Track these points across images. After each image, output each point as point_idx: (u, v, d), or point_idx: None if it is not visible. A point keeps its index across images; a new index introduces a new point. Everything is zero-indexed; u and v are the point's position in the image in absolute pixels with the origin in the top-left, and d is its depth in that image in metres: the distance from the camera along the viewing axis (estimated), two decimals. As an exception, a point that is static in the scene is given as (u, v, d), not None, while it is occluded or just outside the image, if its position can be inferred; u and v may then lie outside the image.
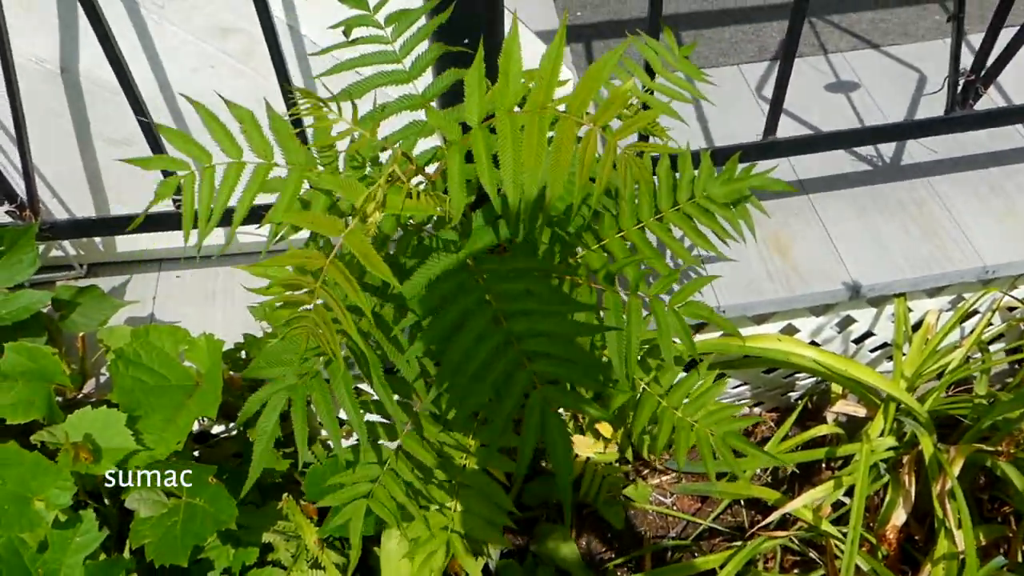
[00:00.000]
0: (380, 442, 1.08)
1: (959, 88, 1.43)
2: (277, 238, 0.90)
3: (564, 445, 0.66)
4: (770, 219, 1.65)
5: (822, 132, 1.44)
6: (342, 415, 1.38)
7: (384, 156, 0.85)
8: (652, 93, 1.19)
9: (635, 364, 0.95)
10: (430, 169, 0.85)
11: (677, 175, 1.13)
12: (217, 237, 1.54)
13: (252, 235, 1.55)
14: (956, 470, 1.51)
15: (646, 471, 2.04)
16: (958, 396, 1.82)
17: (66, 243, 1.50)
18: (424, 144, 0.87)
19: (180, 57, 1.27)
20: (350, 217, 0.69)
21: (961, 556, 1.49)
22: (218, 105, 0.85)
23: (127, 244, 1.53)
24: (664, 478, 2.03)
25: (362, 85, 0.83)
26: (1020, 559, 1.59)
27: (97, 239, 1.51)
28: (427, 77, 0.86)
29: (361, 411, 0.85)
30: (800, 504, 1.65)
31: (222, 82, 1.30)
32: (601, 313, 0.94)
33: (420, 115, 0.87)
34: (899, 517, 1.65)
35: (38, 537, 1.18)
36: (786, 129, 1.44)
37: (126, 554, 1.21)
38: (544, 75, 0.66)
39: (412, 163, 0.72)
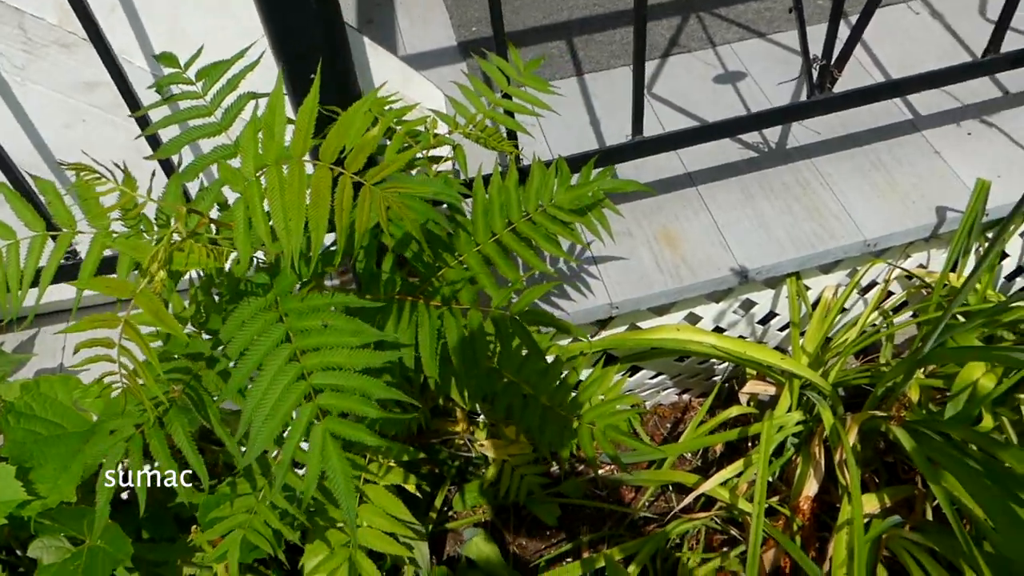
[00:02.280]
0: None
1: (815, 74, 1.48)
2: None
3: (344, 472, 0.70)
4: (659, 212, 1.70)
5: (694, 126, 1.49)
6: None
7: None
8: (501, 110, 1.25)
9: (484, 370, 1.00)
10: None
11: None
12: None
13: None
14: (851, 438, 1.56)
15: (580, 466, 2.09)
16: (864, 366, 1.87)
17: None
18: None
19: (49, 115, 1.32)
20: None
21: (866, 519, 1.55)
22: (89, 159, 0.89)
23: (30, 298, 1.57)
24: (600, 471, 2.08)
25: (176, 141, 0.88)
26: (928, 517, 1.64)
27: (2, 296, 1.55)
28: (237, 128, 0.91)
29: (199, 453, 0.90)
30: (713, 484, 1.70)
31: (94, 134, 1.34)
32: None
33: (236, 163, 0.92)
34: (811, 488, 1.70)
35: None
36: (677, 124, 1.49)
37: (34, 601, 1.25)
38: (301, 127, 0.71)
39: (203, 216, 0.76)
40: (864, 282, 1.83)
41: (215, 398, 0.87)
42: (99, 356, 0.73)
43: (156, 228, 0.84)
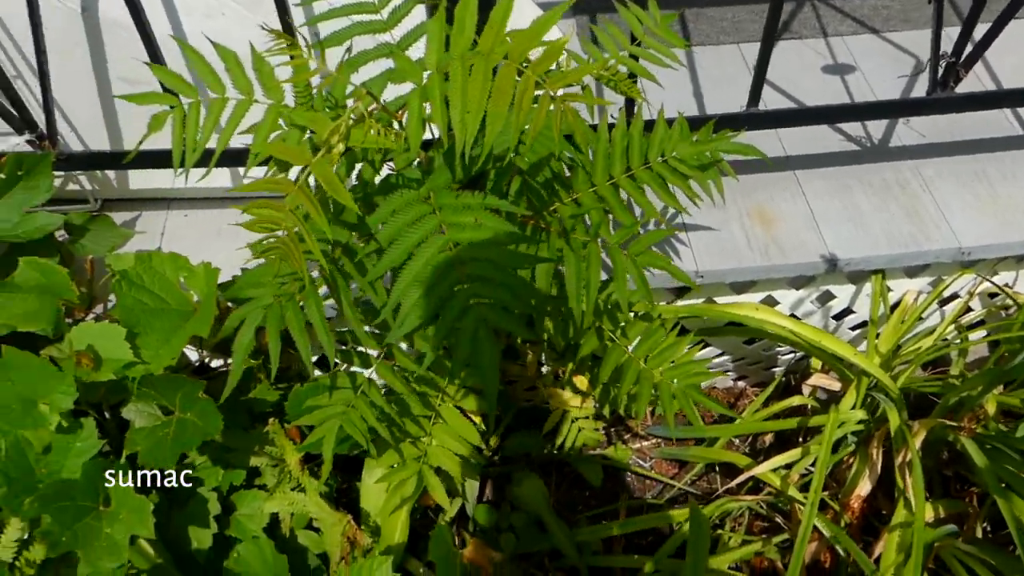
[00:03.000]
0: (355, 370, 1.16)
1: (940, 70, 1.46)
2: (267, 172, 0.98)
3: (491, 357, 0.73)
4: (756, 190, 1.70)
5: (804, 106, 1.49)
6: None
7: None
8: (637, 59, 1.26)
9: (592, 304, 1.02)
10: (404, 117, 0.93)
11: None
12: (223, 179, 1.63)
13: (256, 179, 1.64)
14: (918, 442, 1.56)
15: (627, 435, 2.11)
16: (933, 376, 1.87)
17: (82, 177, 1.60)
18: (397, 91, 0.94)
19: (191, 4, 1.35)
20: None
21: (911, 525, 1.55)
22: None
23: (139, 182, 1.62)
24: (644, 443, 2.10)
25: (340, 33, 0.90)
26: (979, 535, 1.64)
27: (111, 175, 1.60)
28: (405, 26, 0.93)
29: (332, 334, 0.93)
30: (767, 468, 1.71)
31: (231, 28, 1.38)
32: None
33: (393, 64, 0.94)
34: (864, 488, 1.70)
35: (42, 441, 1.28)
36: (778, 106, 1.48)
37: (122, 460, 1.30)
38: (494, 24, 0.73)
39: (377, 101, 0.79)
40: (946, 293, 1.81)
41: (352, 285, 0.90)
42: (266, 221, 0.76)
43: (326, 109, 0.87)
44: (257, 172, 1.58)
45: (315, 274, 0.93)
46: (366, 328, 1.03)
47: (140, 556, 1.34)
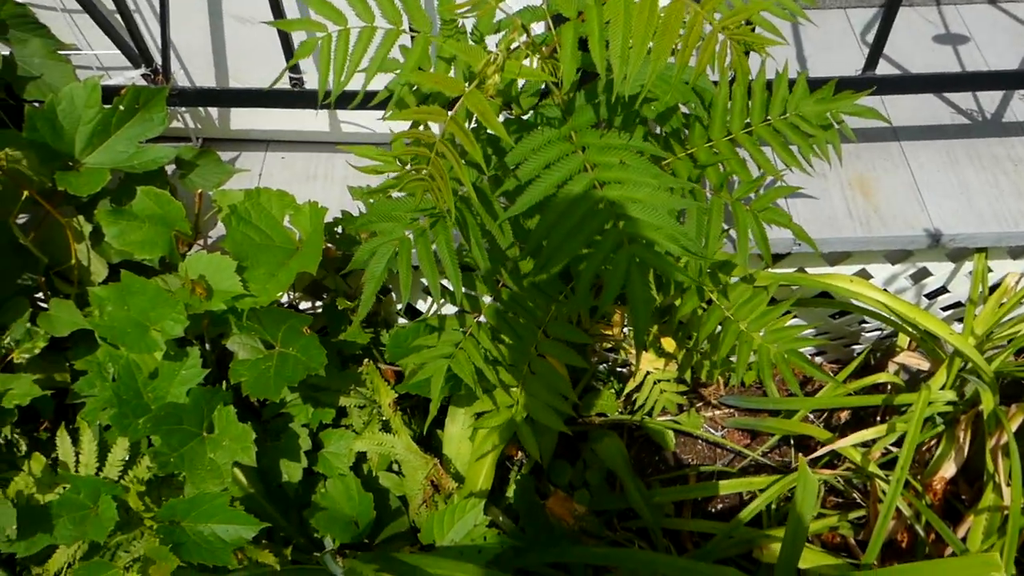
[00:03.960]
0: (461, 314, 1.17)
1: (1074, 41, 1.39)
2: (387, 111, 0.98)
3: (644, 295, 0.72)
4: (858, 160, 1.65)
5: (920, 73, 1.43)
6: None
7: (492, 42, 0.91)
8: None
9: (713, 256, 1.00)
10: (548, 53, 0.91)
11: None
12: (321, 123, 1.64)
13: (353, 125, 1.65)
14: (1015, 425, 1.52)
15: (700, 404, 2.10)
16: (1028, 362, 1.81)
17: (186, 116, 1.62)
18: (535, 28, 0.93)
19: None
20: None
21: (1005, 512, 1.52)
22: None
23: (240, 122, 1.64)
24: (717, 412, 2.09)
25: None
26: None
27: (214, 115, 1.62)
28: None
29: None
30: (850, 442, 1.69)
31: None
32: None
33: (534, 1, 0.93)
34: (948, 470, 1.67)
35: (149, 367, 1.32)
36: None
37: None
38: (666, -47, 0.71)
39: (529, 34, 0.78)
40: (1049, 277, 1.75)
41: (479, 222, 0.90)
42: (417, 148, 0.76)
43: (472, 42, 0.86)
44: (354, 122, 1.59)
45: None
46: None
47: (234, 484, 1.38)
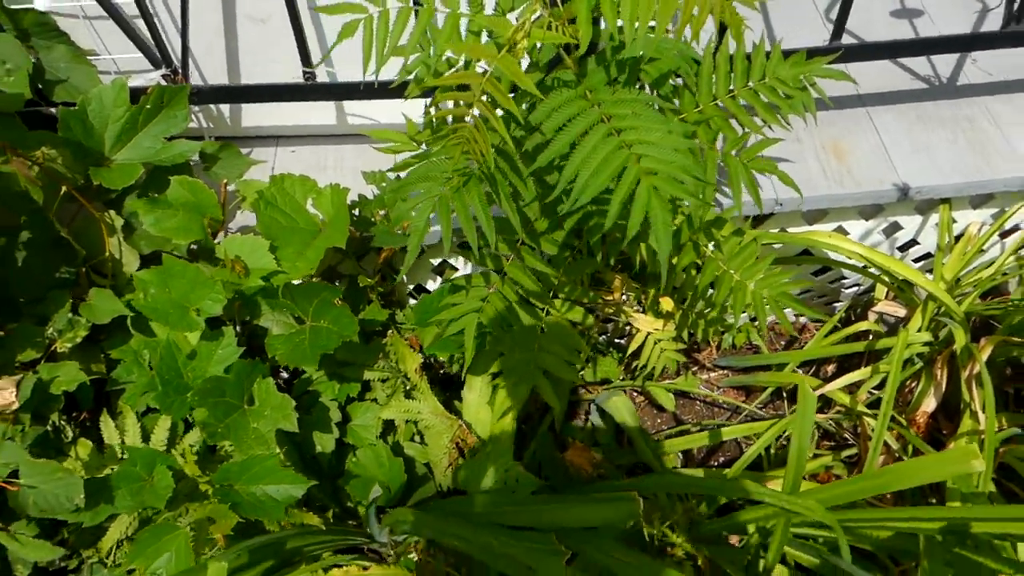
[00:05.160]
0: (484, 273, 1.27)
1: (1017, 3, 1.54)
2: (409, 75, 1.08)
3: (664, 221, 0.84)
4: (830, 126, 1.79)
5: (882, 41, 1.57)
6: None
7: (511, 17, 1.02)
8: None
9: (711, 203, 1.11)
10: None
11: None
12: (328, 117, 1.73)
13: (361, 118, 1.74)
14: (985, 356, 1.66)
15: (695, 367, 2.22)
16: (995, 301, 1.95)
17: (199, 115, 1.71)
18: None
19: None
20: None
21: (982, 436, 1.65)
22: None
23: (250, 120, 1.73)
24: (712, 374, 2.21)
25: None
26: (1039, 447, 1.74)
27: (226, 113, 1.71)
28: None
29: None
30: (838, 385, 1.82)
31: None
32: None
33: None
34: (929, 404, 1.80)
35: (186, 349, 1.40)
36: None
37: (260, 365, 1.42)
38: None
39: (547, 5, 0.89)
40: (1008, 225, 1.89)
41: (507, 179, 1.00)
42: (459, 110, 0.86)
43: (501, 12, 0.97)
44: (387, 113, 1.67)
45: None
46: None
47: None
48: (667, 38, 1.19)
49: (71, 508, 1.19)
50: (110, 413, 1.45)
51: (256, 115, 1.71)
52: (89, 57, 1.52)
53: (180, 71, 1.50)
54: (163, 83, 1.50)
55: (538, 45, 0.96)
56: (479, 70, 0.89)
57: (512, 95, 1.05)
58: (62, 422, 1.43)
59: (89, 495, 1.24)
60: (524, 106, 0.83)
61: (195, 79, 1.63)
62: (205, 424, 1.29)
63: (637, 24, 0.83)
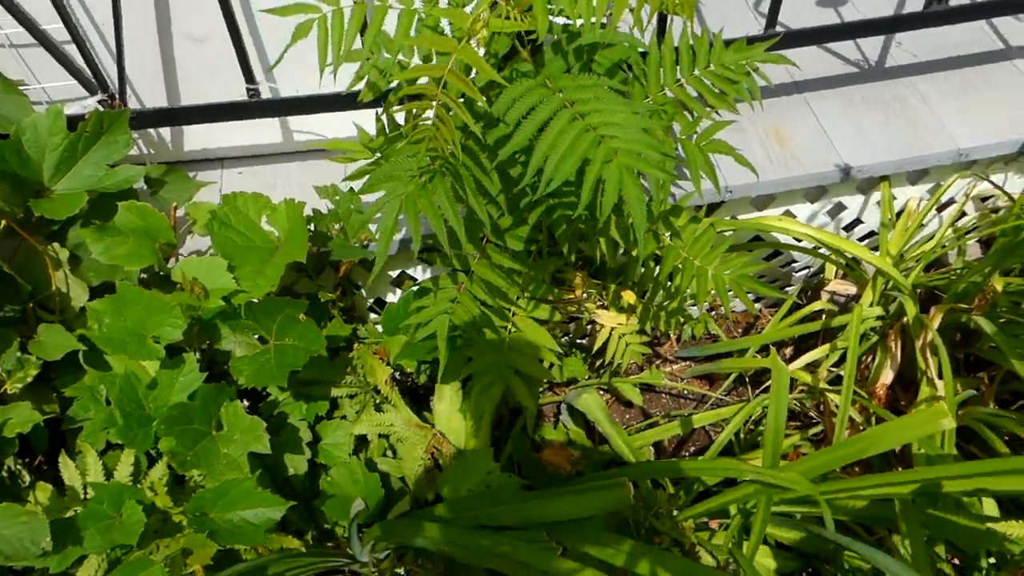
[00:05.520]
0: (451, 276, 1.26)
1: (935, -16, 1.61)
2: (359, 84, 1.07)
3: (637, 194, 0.84)
4: (769, 113, 1.84)
5: (814, 27, 1.63)
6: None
7: (470, 7, 1.02)
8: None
9: (667, 192, 1.13)
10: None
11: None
12: (273, 135, 1.71)
13: (307, 134, 1.72)
14: (936, 323, 1.72)
15: (658, 361, 2.24)
16: (939, 273, 2.03)
17: (139, 142, 1.66)
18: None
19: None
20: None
21: (941, 400, 1.71)
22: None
23: (192, 143, 1.69)
24: (675, 367, 2.24)
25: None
26: (992, 406, 1.80)
27: (167, 137, 1.67)
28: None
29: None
30: (799, 364, 1.86)
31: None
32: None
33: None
34: (887, 376, 1.86)
35: (148, 376, 1.35)
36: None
37: (225, 389, 1.38)
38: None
39: (502, -7, 0.89)
40: (944, 199, 1.97)
41: (471, 174, 1.00)
42: (422, 103, 0.85)
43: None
44: (332, 127, 1.65)
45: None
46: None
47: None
48: (615, 30, 1.21)
49: (37, 553, 1.13)
50: (68, 453, 1.39)
51: (199, 137, 1.67)
52: (19, 87, 1.47)
53: (117, 96, 1.45)
54: (100, 109, 1.46)
55: (492, 36, 0.96)
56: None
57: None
58: (18, 467, 1.37)
59: (55, 538, 1.17)
60: (480, 103, 0.83)
61: (133, 103, 1.58)
62: (173, 453, 1.24)
63: (594, 15, 0.84)
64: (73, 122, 1.39)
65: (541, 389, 2.00)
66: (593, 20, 0.89)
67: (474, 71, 1.05)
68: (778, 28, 1.67)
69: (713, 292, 1.47)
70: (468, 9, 0.92)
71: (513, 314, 1.46)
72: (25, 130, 1.33)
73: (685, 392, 2.15)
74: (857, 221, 2.01)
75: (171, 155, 1.70)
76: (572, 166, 0.85)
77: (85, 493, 1.36)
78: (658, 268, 1.50)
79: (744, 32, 1.64)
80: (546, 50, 0.98)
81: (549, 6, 0.87)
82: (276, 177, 1.73)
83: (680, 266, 1.47)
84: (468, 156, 1.00)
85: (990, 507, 1.48)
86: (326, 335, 1.59)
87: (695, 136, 1.23)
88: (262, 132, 1.69)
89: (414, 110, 0.85)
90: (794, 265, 2.13)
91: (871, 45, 1.98)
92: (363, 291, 1.76)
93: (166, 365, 1.35)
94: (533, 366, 1.42)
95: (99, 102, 1.46)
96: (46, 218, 1.31)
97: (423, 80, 0.84)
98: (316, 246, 1.50)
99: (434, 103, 0.85)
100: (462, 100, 0.89)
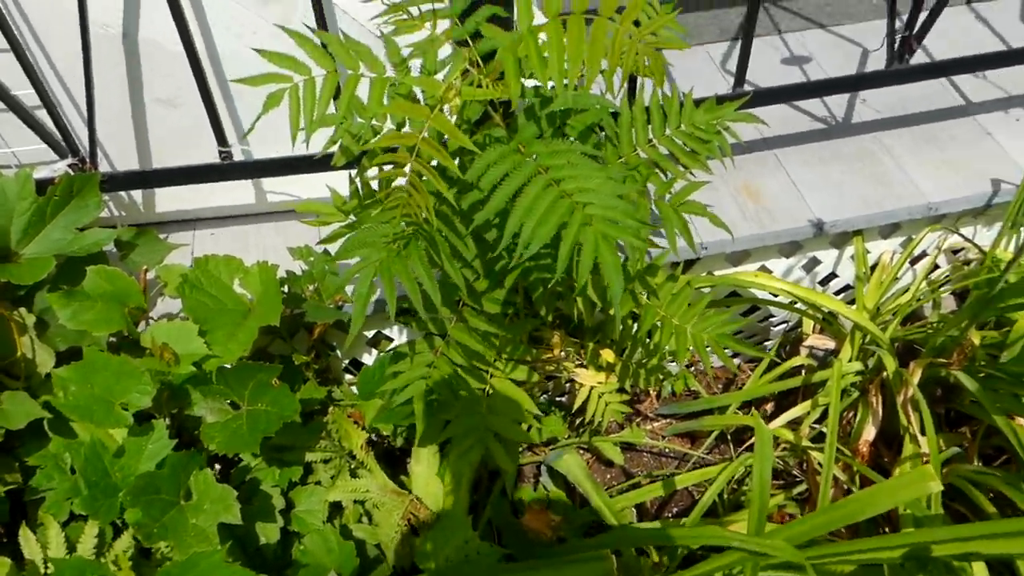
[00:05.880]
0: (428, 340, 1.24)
1: (896, 44, 1.66)
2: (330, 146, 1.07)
3: (614, 261, 0.84)
4: (741, 170, 1.86)
5: (781, 85, 1.66)
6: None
7: (441, 75, 1.03)
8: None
9: (643, 253, 1.13)
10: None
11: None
12: (247, 196, 1.70)
13: (281, 195, 1.71)
14: (916, 378, 1.72)
15: (638, 419, 2.22)
16: (915, 326, 2.04)
17: (110, 204, 1.64)
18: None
19: (226, 25, 1.44)
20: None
21: (925, 458, 1.69)
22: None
23: (164, 204, 1.68)
24: (655, 424, 2.21)
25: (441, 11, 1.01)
26: (975, 463, 1.80)
27: (139, 200, 1.65)
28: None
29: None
30: (781, 422, 1.84)
31: (263, 45, 1.46)
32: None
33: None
34: (869, 433, 1.84)
35: (113, 447, 1.31)
36: None
37: (195, 457, 1.34)
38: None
39: (479, 64, 0.90)
40: (916, 252, 2.00)
41: (445, 238, 0.99)
42: (394, 171, 0.85)
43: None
44: (306, 188, 1.65)
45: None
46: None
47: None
48: (586, 92, 1.22)
49: (-11, 639, 1.07)
50: (29, 525, 1.33)
51: (171, 199, 1.66)
52: (-12, 151, 1.45)
53: (88, 159, 1.44)
54: (71, 173, 1.44)
55: (465, 104, 0.96)
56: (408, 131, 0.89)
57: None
58: (-27, 543, 1.30)
59: (9, 622, 1.12)
60: (452, 171, 0.82)
61: (104, 166, 1.57)
62: (139, 525, 1.19)
63: (566, 77, 0.85)
64: (43, 186, 1.38)
65: (521, 449, 1.97)
66: (566, 82, 0.89)
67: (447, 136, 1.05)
68: (746, 87, 1.70)
69: (692, 349, 1.46)
70: (440, 76, 0.92)
71: (491, 376, 1.43)
72: (-8, 195, 1.31)
73: (666, 450, 2.12)
74: (832, 275, 2.02)
75: (143, 217, 1.68)
76: (549, 232, 0.85)
77: (46, 568, 1.30)
78: (636, 326, 1.49)
79: (713, 91, 1.67)
80: (519, 115, 0.98)
81: (520, 69, 0.88)
82: (249, 239, 1.72)
83: (659, 324, 1.46)
84: (443, 221, 0.99)
85: (980, 571, 1.45)
86: (301, 398, 1.55)
87: (669, 196, 1.24)
88: (235, 194, 1.68)
89: (384, 180, 0.85)
90: (772, 320, 2.14)
91: (837, 102, 2.02)
92: (338, 352, 1.74)
93: (134, 432, 1.31)
94: (512, 429, 1.39)
95: (70, 166, 1.44)
96: (12, 283, 1.28)
97: (395, 147, 0.84)
98: (290, 308, 1.48)
99: (407, 170, 0.85)
100: (435, 165, 0.89)
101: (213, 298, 1.36)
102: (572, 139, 1.18)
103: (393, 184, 0.84)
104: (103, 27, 1.39)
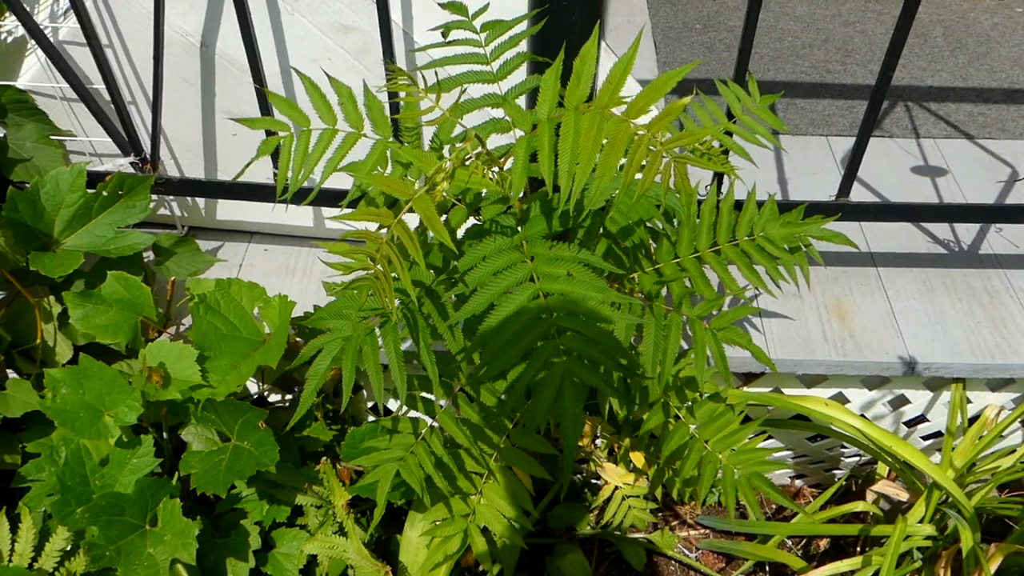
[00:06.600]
0: (419, 416, 1.15)
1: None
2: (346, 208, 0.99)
3: (574, 412, 0.71)
4: (835, 283, 1.66)
5: (893, 202, 1.46)
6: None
7: (447, 150, 0.94)
8: (731, 136, 1.25)
9: (667, 375, 0.99)
10: (507, 165, 0.94)
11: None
12: (305, 218, 1.67)
13: (340, 224, 1.67)
14: (993, 567, 1.46)
15: (675, 522, 2.03)
16: (1011, 498, 1.76)
17: (173, 203, 1.65)
18: (499, 140, 0.96)
19: (303, 47, 1.41)
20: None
21: (988, 658, 1.44)
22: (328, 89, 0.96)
23: (225, 213, 1.67)
24: (692, 532, 2.02)
25: (453, 80, 0.93)
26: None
27: (201, 204, 1.65)
28: (511, 80, 0.95)
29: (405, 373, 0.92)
30: (825, 573, 1.62)
31: (336, 74, 1.42)
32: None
33: (499, 113, 0.96)
34: (928, 609, 1.59)
35: (101, 453, 1.29)
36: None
37: (174, 481, 1.30)
38: (612, 80, 0.74)
39: (484, 146, 0.80)
40: (1030, 411, 1.72)
41: (430, 322, 0.89)
42: (360, 252, 0.76)
43: (432, 150, 0.89)
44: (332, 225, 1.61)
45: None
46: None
47: (176, 582, 1.32)
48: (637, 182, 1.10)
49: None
50: (10, 512, 1.33)
51: (231, 209, 1.65)
52: (66, 139, 1.49)
53: (149, 160, 1.45)
54: (130, 170, 1.45)
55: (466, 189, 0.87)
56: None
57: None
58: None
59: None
60: (421, 267, 0.73)
61: (172, 168, 1.58)
62: (92, 545, 1.16)
63: (573, 183, 0.73)
64: (102, 179, 1.39)
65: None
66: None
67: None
68: (855, 196, 1.51)
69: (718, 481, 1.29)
70: (448, 150, 0.83)
71: (485, 478, 1.32)
72: (46, 183, 1.33)
73: (696, 567, 1.92)
74: (922, 418, 1.77)
75: (203, 221, 1.69)
76: (515, 355, 0.73)
77: (9, 559, 1.29)
78: (664, 441, 1.33)
79: (824, 191, 1.50)
80: (533, 206, 0.87)
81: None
82: (299, 261, 1.69)
83: (687, 444, 1.30)
84: (431, 301, 0.90)
85: None
86: (306, 435, 1.50)
87: (712, 317, 1.09)
88: (293, 213, 1.65)
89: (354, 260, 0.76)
90: (844, 450, 1.90)
91: (965, 226, 1.78)
92: (365, 392, 1.67)
93: (123, 444, 1.28)
94: (504, 528, 1.27)
95: (131, 163, 1.45)
96: (41, 273, 1.29)
97: (368, 225, 0.75)
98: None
99: (377, 253, 0.76)
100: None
101: (228, 323, 1.32)
102: (611, 234, 1.06)
103: (356, 270, 0.76)
104: (183, 35, 1.39)
